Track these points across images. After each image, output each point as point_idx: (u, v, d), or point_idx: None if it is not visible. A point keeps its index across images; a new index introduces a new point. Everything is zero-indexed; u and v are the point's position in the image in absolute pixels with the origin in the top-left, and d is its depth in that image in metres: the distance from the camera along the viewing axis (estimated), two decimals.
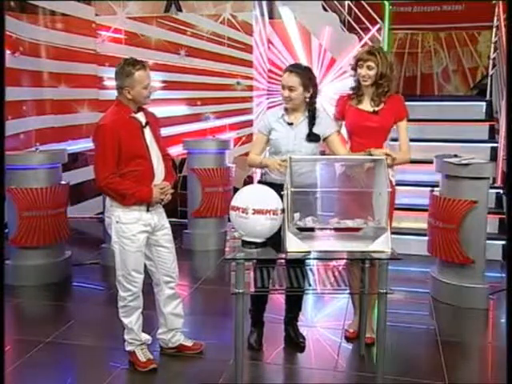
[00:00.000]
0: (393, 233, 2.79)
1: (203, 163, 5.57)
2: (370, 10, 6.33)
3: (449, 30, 7.82)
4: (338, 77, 6.25)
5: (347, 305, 3.97)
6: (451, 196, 4.12)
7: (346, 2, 6.84)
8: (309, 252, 2.76)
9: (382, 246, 2.71)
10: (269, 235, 2.79)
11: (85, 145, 6.71)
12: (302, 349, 3.43)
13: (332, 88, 6.21)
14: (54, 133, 6.51)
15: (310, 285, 3.02)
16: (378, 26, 6.29)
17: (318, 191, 2.93)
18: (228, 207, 2.84)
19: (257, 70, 6.43)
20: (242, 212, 2.73)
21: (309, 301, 4.15)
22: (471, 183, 4.06)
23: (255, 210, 2.71)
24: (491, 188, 4.53)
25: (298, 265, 3.04)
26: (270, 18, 6.55)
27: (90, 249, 5.50)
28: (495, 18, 6.33)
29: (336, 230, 2.88)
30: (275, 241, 2.81)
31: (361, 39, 6.27)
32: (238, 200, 2.80)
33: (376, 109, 3.29)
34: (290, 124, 3.21)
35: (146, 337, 3.31)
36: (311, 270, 3.14)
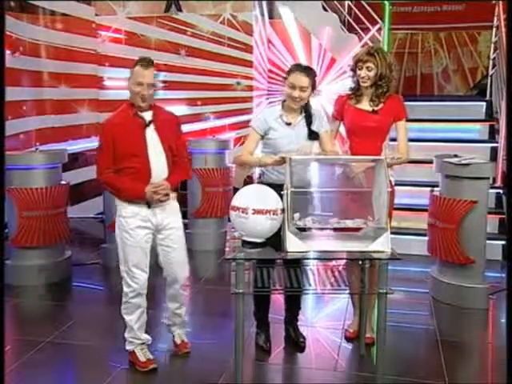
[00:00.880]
0: (393, 233, 2.78)
1: (203, 163, 5.57)
2: (370, 10, 6.34)
3: (449, 30, 7.82)
4: (338, 77, 6.26)
5: (347, 305, 3.96)
6: (451, 196, 4.12)
7: (346, 2, 6.84)
8: (309, 252, 2.76)
9: (382, 246, 2.71)
10: (269, 235, 2.79)
11: (85, 145, 6.72)
12: (302, 349, 3.43)
13: (332, 88, 6.21)
14: (54, 133, 6.51)
15: (309, 285, 3.02)
16: (378, 25, 6.29)
17: (318, 191, 2.93)
18: (228, 207, 2.85)
19: (257, 70, 6.43)
20: (242, 212, 2.74)
21: (309, 301, 4.16)
22: (471, 183, 4.06)
23: (255, 210, 2.71)
24: (491, 188, 4.53)
25: (297, 265, 3.04)
26: (270, 17, 6.56)
27: (90, 249, 5.51)
28: (495, 18, 6.33)
29: (336, 229, 2.88)
30: (275, 241, 2.81)
31: (361, 39, 6.27)
32: (238, 200, 2.80)
33: (375, 109, 3.29)
34: (288, 124, 3.20)
35: (146, 337, 3.31)
36: (311, 269, 3.14)
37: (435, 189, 4.34)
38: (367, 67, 3.22)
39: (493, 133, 5.78)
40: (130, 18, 6.51)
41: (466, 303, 4.08)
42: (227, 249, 2.85)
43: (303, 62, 6.23)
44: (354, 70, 3.30)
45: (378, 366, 2.81)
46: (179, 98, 6.43)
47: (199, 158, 5.58)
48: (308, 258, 2.92)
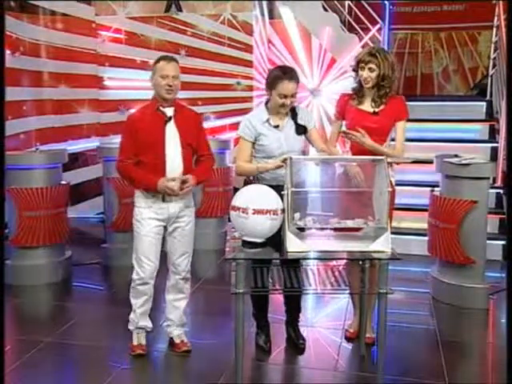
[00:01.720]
0: (393, 233, 2.78)
1: None
2: (370, 10, 6.34)
3: (449, 30, 7.83)
4: (338, 77, 6.26)
5: (347, 305, 3.96)
6: (451, 196, 4.12)
7: (346, 2, 6.85)
8: (309, 252, 2.76)
9: (382, 246, 2.71)
10: (269, 235, 2.79)
11: (85, 145, 6.73)
12: (301, 350, 3.43)
13: (332, 88, 6.22)
14: (54, 133, 6.50)
15: (310, 285, 3.02)
16: (378, 25, 6.30)
17: (318, 191, 2.93)
18: (228, 207, 2.85)
19: (257, 70, 6.43)
20: (242, 212, 2.74)
21: (309, 301, 4.16)
22: (471, 183, 4.06)
23: (255, 210, 2.71)
24: (491, 188, 4.53)
25: (298, 265, 3.04)
26: (270, 17, 6.56)
27: (90, 249, 5.50)
28: (495, 18, 6.33)
29: (336, 229, 2.88)
30: (275, 241, 2.81)
31: (361, 39, 6.28)
32: (238, 200, 2.80)
33: (376, 110, 3.28)
34: (276, 126, 3.19)
35: (146, 324, 3.41)
36: (311, 269, 3.14)
37: (435, 189, 4.34)
38: (369, 68, 3.20)
39: (493, 133, 5.78)
40: (130, 18, 6.51)
41: (466, 303, 4.08)
42: (227, 249, 2.86)
43: (303, 62, 6.25)
44: (355, 70, 3.29)
45: (378, 365, 2.81)
46: (179, 98, 6.41)
47: None
48: (308, 258, 2.92)
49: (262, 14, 6.45)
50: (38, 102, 6.40)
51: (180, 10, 6.38)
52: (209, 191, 5.56)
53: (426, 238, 4.43)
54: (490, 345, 3.74)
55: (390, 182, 2.91)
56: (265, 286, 2.84)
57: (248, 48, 6.31)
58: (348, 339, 3.57)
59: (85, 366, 3.35)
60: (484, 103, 6.13)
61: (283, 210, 2.74)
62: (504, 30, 5.66)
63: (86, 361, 3.39)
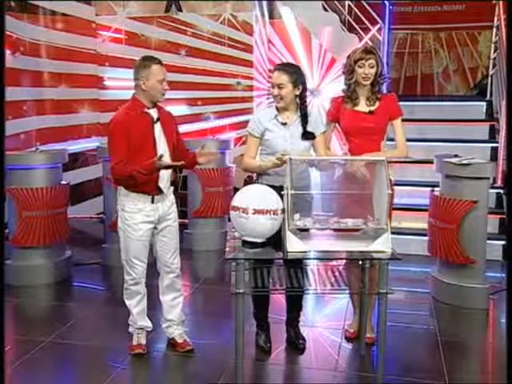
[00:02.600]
0: (393, 233, 2.78)
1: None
2: (371, 10, 6.34)
3: (449, 30, 7.82)
4: (338, 77, 6.25)
5: (347, 305, 3.96)
6: (451, 196, 4.12)
7: (346, 2, 6.84)
8: (309, 252, 2.76)
9: (382, 246, 2.71)
10: (269, 235, 2.79)
11: (85, 145, 6.72)
12: (301, 350, 3.43)
13: (332, 88, 6.21)
14: (54, 133, 6.50)
15: (310, 285, 3.02)
16: (378, 26, 6.29)
17: (318, 192, 2.93)
18: (228, 207, 2.85)
19: (257, 69, 6.42)
20: (242, 212, 2.74)
21: (309, 301, 4.15)
22: (471, 183, 4.06)
23: (255, 210, 2.71)
24: (491, 188, 4.53)
25: (297, 265, 3.04)
26: (270, 17, 6.55)
27: (90, 249, 5.50)
28: (495, 18, 6.33)
29: (336, 230, 2.88)
30: (275, 241, 2.81)
31: (361, 39, 6.27)
32: (238, 200, 2.80)
33: (371, 109, 3.29)
34: (284, 124, 3.21)
35: (145, 324, 3.43)
36: (311, 269, 3.13)
37: (435, 189, 4.34)
38: (369, 64, 3.22)
39: (493, 133, 5.78)
40: (130, 18, 6.50)
41: (466, 303, 4.08)
42: (227, 249, 2.85)
43: (303, 62, 6.25)
44: (351, 70, 3.28)
45: (378, 365, 2.81)
46: (179, 98, 6.43)
47: None
48: (308, 258, 2.92)
49: (262, 14, 6.45)
50: (38, 102, 6.40)
51: (180, 9, 6.38)
52: (209, 191, 5.57)
53: (426, 238, 4.43)
54: (489, 345, 3.74)
55: (390, 181, 2.91)
56: (265, 286, 2.84)
57: (248, 48, 6.30)
58: (348, 339, 3.57)
59: (85, 366, 3.36)
60: (484, 103, 6.13)
61: (283, 210, 2.74)
62: (504, 30, 5.66)
63: (85, 361, 3.39)
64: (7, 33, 5.63)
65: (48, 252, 4.70)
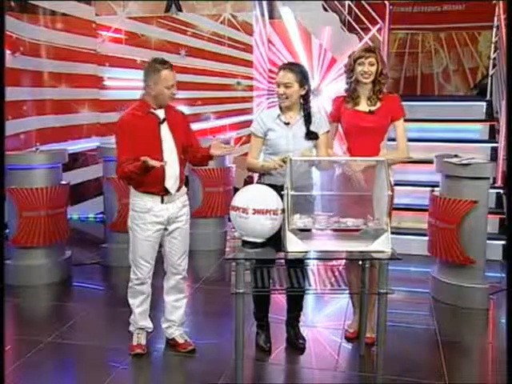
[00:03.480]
0: (393, 233, 2.78)
1: None
2: (370, 10, 6.34)
3: (449, 30, 7.83)
4: (338, 77, 6.25)
5: (347, 305, 3.96)
6: (451, 196, 4.12)
7: (347, 2, 6.84)
8: (309, 252, 2.76)
9: (382, 246, 2.71)
10: (269, 235, 2.79)
11: (85, 145, 6.72)
12: (301, 350, 3.43)
13: (332, 88, 6.21)
14: (54, 133, 6.50)
15: (310, 285, 3.02)
16: (378, 26, 6.29)
17: (318, 192, 2.93)
18: (228, 207, 2.85)
19: (257, 70, 6.43)
20: (242, 212, 2.74)
21: (309, 301, 4.15)
22: (471, 183, 4.06)
23: (255, 210, 2.71)
24: (491, 188, 4.53)
25: (297, 265, 3.04)
26: (271, 17, 6.55)
27: (90, 249, 5.50)
28: (495, 18, 6.33)
29: (336, 230, 2.88)
30: (275, 241, 2.81)
31: (361, 39, 6.27)
32: (238, 200, 2.80)
33: (372, 109, 3.29)
34: (287, 124, 3.21)
35: (146, 324, 3.43)
36: (311, 269, 3.14)
37: (435, 189, 4.34)
38: (369, 62, 3.23)
39: (493, 133, 5.78)
40: (130, 18, 6.51)
41: (465, 303, 4.08)
42: (227, 249, 2.85)
43: (303, 62, 6.24)
44: (352, 69, 3.29)
45: (378, 365, 2.81)
46: (179, 98, 6.40)
47: None
48: (308, 258, 2.92)
49: (262, 14, 6.45)
50: (38, 102, 6.40)
51: (180, 9, 6.38)
52: (209, 191, 5.57)
53: (426, 238, 4.43)
54: (489, 345, 3.74)
55: (390, 182, 2.91)
56: (265, 286, 2.84)
57: (248, 48, 6.30)
58: (348, 339, 3.57)
59: (85, 366, 3.36)
60: (484, 103, 6.12)
61: (283, 210, 2.74)
62: (504, 30, 5.66)
63: (85, 361, 3.39)
64: (7, 33, 5.63)
65: (48, 252, 4.70)
